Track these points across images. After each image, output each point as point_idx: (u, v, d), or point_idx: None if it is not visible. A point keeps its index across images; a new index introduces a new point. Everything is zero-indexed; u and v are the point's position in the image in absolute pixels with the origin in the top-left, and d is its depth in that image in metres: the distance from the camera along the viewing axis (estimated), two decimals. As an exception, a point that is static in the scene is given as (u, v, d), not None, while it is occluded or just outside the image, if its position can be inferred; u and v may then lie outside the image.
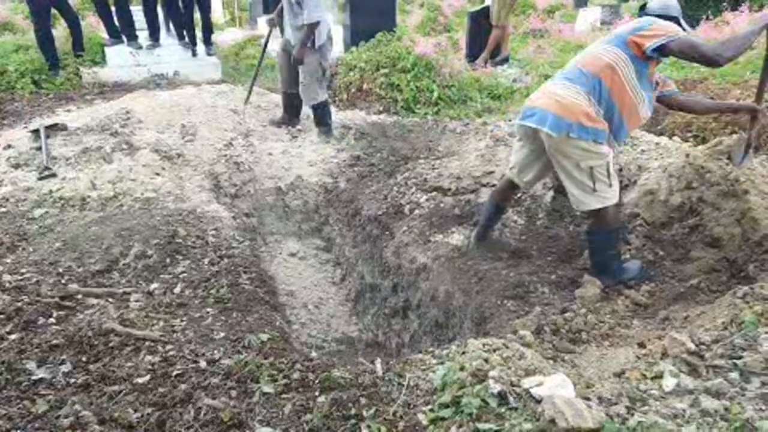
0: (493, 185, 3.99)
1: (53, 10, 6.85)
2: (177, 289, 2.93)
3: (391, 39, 6.97)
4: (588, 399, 1.81)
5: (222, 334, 2.51)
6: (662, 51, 2.76)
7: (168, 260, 3.19)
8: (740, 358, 1.95)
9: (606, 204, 2.94)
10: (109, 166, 4.38)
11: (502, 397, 1.80)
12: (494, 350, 2.11)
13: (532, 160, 3.21)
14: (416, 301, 3.73)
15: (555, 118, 2.80)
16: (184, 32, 7.58)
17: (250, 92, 5.93)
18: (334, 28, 9.43)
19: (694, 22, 9.36)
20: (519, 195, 4.06)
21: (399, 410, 1.87)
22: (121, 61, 7.19)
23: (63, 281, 2.88)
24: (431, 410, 1.84)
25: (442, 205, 4.14)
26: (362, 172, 4.95)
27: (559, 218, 3.87)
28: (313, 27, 5.01)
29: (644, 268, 3.19)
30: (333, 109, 6.24)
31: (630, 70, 2.83)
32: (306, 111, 5.71)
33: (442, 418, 1.79)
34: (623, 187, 3.71)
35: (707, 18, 8.97)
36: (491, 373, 1.90)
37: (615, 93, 2.85)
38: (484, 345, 2.15)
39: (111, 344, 2.28)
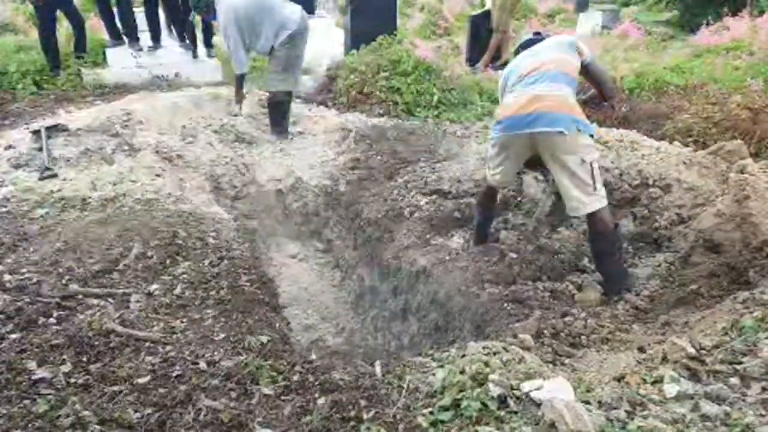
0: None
1: (59, 12, 6.86)
2: (177, 290, 2.93)
3: (392, 42, 6.97)
4: (588, 403, 1.80)
5: (222, 336, 2.51)
6: (587, 65, 3.24)
7: (168, 261, 3.19)
8: (740, 363, 1.95)
9: (604, 203, 3.02)
10: (110, 167, 4.38)
11: (502, 400, 1.80)
12: (494, 353, 2.11)
13: (514, 163, 3.31)
14: (416, 304, 3.72)
15: (567, 117, 2.91)
16: (185, 34, 7.58)
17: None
18: (334, 31, 9.48)
19: (694, 27, 9.40)
20: (519, 199, 4.07)
21: (399, 413, 1.87)
22: (122, 63, 7.18)
23: (63, 281, 2.88)
24: (431, 413, 1.84)
25: (442, 208, 4.14)
26: (362, 175, 4.95)
27: (559, 222, 3.87)
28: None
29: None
30: (333, 111, 6.24)
31: (577, 72, 3.22)
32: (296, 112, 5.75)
33: (442, 421, 1.78)
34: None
35: (707, 23, 8.99)
36: (491, 377, 1.90)
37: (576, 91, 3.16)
38: (483, 348, 2.15)
39: (111, 345, 2.28)
